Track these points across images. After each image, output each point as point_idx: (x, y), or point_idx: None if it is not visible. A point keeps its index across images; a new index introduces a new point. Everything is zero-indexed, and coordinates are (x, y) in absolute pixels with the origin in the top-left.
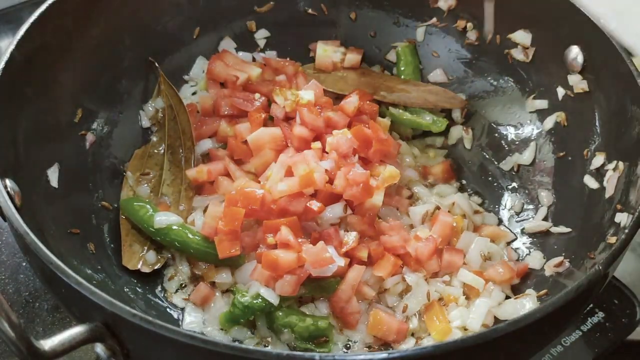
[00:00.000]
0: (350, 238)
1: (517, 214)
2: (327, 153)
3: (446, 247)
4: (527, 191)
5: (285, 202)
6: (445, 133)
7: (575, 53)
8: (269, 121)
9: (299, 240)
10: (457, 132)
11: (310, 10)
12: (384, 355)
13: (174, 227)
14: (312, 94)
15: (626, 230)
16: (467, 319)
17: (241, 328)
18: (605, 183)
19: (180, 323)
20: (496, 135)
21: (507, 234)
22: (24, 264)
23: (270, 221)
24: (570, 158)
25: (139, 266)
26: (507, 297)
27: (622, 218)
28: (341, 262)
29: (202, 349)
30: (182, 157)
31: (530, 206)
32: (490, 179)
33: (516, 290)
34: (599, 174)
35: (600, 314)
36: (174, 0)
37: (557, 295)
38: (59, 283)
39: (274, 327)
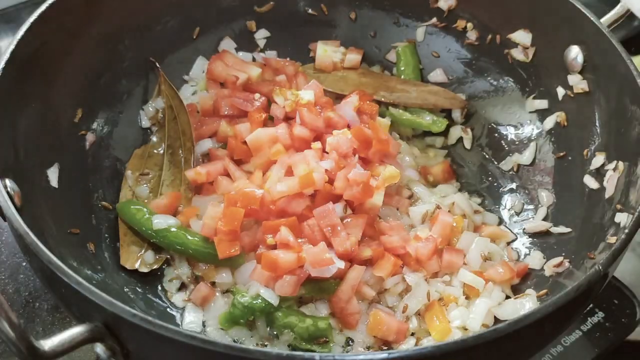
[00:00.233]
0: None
1: (517, 214)
2: (327, 153)
3: (446, 247)
4: (527, 191)
5: (285, 202)
6: (445, 133)
7: (575, 53)
8: (269, 121)
9: (299, 240)
10: (457, 132)
11: (310, 10)
12: (384, 355)
13: (173, 229)
14: (312, 94)
15: (626, 230)
16: (467, 319)
17: (241, 328)
18: (605, 183)
19: (180, 323)
20: (496, 135)
21: (507, 234)
22: (24, 264)
23: (269, 222)
24: (570, 158)
25: (137, 266)
26: (507, 297)
27: (622, 218)
28: (341, 264)
29: (202, 349)
30: (182, 158)
31: (530, 206)
32: (490, 179)
33: (516, 290)
34: (599, 174)
35: (600, 314)
36: (174, 0)
37: (557, 295)
38: (59, 283)
39: (273, 328)
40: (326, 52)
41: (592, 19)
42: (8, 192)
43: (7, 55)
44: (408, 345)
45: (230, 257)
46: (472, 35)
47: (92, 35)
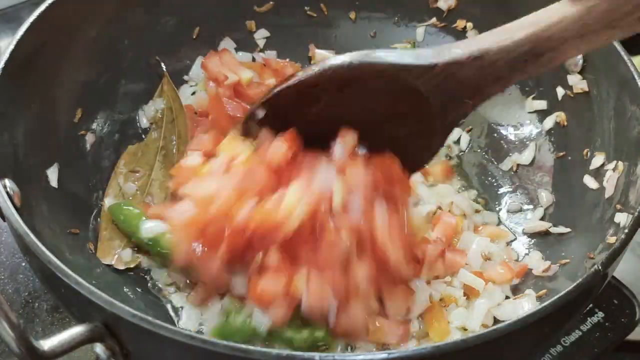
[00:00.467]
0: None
1: (516, 214)
2: None
3: (448, 247)
4: (526, 191)
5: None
6: None
7: None
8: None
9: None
10: (456, 132)
11: (310, 11)
12: (384, 355)
13: (167, 236)
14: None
15: (626, 230)
16: (467, 319)
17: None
18: (604, 183)
19: (177, 322)
20: (495, 135)
21: (507, 234)
22: (24, 264)
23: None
24: (569, 158)
25: (113, 262)
26: (507, 297)
27: (622, 218)
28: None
29: (202, 349)
30: (174, 162)
31: (530, 206)
32: (489, 179)
33: (515, 290)
34: (599, 174)
35: (600, 314)
36: (174, 0)
37: (557, 296)
38: (58, 283)
39: (270, 342)
40: (325, 54)
41: None
42: (8, 192)
43: (6, 55)
44: (409, 347)
45: None
46: (471, 35)
47: (92, 35)
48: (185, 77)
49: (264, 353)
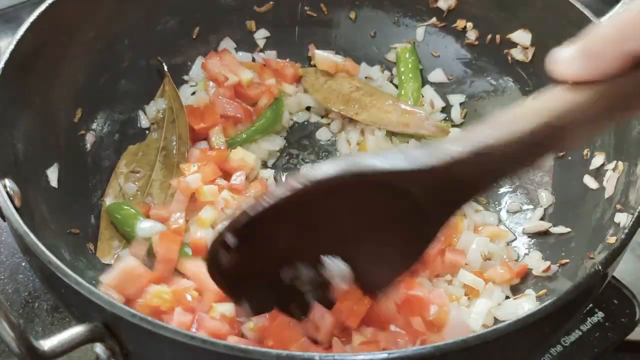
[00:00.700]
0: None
1: (516, 214)
2: None
3: (448, 247)
4: (526, 191)
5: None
6: None
7: None
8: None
9: None
10: (456, 132)
11: (310, 11)
12: (384, 355)
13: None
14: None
15: (626, 231)
16: (468, 319)
17: None
18: (604, 183)
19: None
20: None
21: (507, 234)
22: (24, 264)
23: None
24: (570, 158)
25: (113, 262)
26: (507, 297)
27: (622, 218)
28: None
29: (201, 349)
30: (175, 162)
31: (530, 206)
32: None
33: (515, 290)
34: (599, 174)
35: (600, 314)
36: (174, 0)
37: (557, 296)
38: (58, 283)
39: None
40: (324, 56)
41: (592, 19)
42: (8, 192)
43: (6, 55)
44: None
45: None
46: (471, 35)
47: (91, 35)
48: (185, 77)
49: (264, 353)
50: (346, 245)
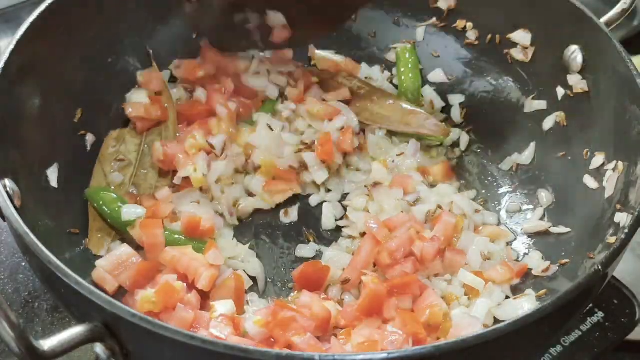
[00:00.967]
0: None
1: (516, 214)
2: None
3: (448, 247)
4: (526, 191)
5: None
6: None
7: (574, 53)
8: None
9: None
10: (456, 132)
11: (310, 10)
12: (384, 355)
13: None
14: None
15: (626, 230)
16: (470, 320)
17: None
18: (604, 183)
19: None
20: (495, 135)
21: (507, 234)
22: (24, 264)
23: None
24: (569, 158)
25: (103, 253)
26: (507, 297)
27: (622, 218)
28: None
29: (202, 349)
30: None
31: (530, 206)
32: (490, 179)
33: (515, 290)
34: (599, 173)
35: (600, 314)
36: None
37: (557, 296)
38: (58, 283)
39: None
40: (324, 54)
41: (592, 18)
42: (8, 192)
43: (6, 55)
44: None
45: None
46: (471, 35)
47: (91, 35)
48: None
49: (264, 353)
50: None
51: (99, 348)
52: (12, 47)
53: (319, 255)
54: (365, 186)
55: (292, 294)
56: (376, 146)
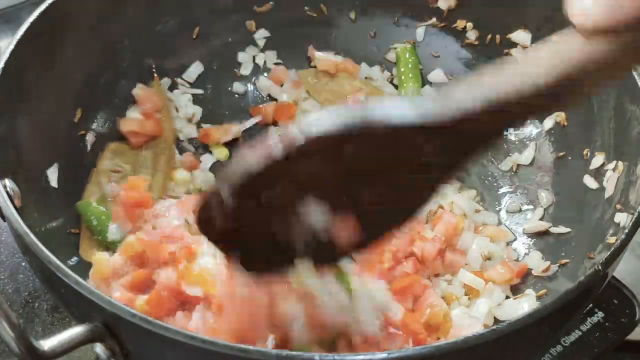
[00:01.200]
0: None
1: (516, 214)
2: None
3: (448, 247)
4: (526, 191)
5: None
6: None
7: None
8: None
9: None
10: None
11: (310, 11)
12: (384, 355)
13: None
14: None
15: (626, 231)
16: (470, 320)
17: None
18: (604, 183)
19: None
20: None
21: (507, 234)
22: (24, 264)
23: None
24: (569, 158)
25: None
26: (507, 297)
27: (622, 218)
28: None
29: (202, 349)
30: (158, 165)
31: (530, 206)
32: (489, 179)
33: (515, 290)
34: (599, 174)
35: (600, 314)
36: (174, 0)
37: (557, 296)
38: (58, 283)
39: None
40: (324, 55)
41: None
42: (8, 192)
43: (6, 55)
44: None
45: None
46: (472, 35)
47: (91, 36)
48: (185, 77)
49: (264, 353)
50: (347, 193)
51: (99, 348)
52: (12, 47)
53: None
54: None
55: None
56: None
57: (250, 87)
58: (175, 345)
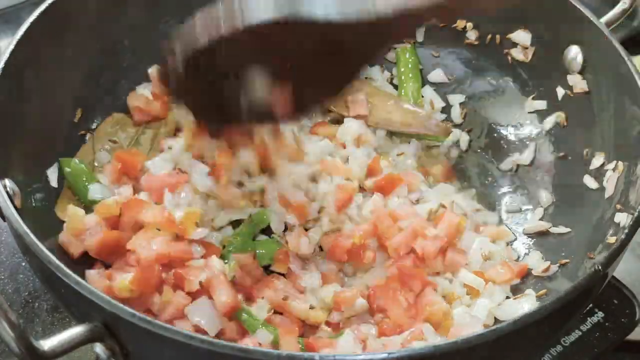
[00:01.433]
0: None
1: (516, 214)
2: None
3: (450, 246)
4: (526, 191)
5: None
6: None
7: (574, 53)
8: None
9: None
10: (456, 132)
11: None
12: (384, 355)
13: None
14: None
15: (626, 231)
16: (470, 320)
17: None
18: (604, 183)
19: None
20: (495, 135)
21: (508, 233)
22: (24, 264)
23: None
24: (569, 158)
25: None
26: (507, 297)
27: (622, 218)
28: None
29: (201, 349)
30: (155, 145)
31: (530, 206)
32: (490, 179)
33: (515, 290)
34: (599, 174)
35: (600, 314)
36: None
37: (557, 296)
38: (58, 283)
39: None
40: None
41: (592, 19)
42: (8, 192)
43: (6, 55)
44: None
45: None
46: (471, 35)
47: (91, 36)
48: None
49: (264, 353)
50: (282, 70)
51: (99, 348)
52: (12, 47)
53: None
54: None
55: None
56: (377, 146)
57: None
58: (174, 345)
